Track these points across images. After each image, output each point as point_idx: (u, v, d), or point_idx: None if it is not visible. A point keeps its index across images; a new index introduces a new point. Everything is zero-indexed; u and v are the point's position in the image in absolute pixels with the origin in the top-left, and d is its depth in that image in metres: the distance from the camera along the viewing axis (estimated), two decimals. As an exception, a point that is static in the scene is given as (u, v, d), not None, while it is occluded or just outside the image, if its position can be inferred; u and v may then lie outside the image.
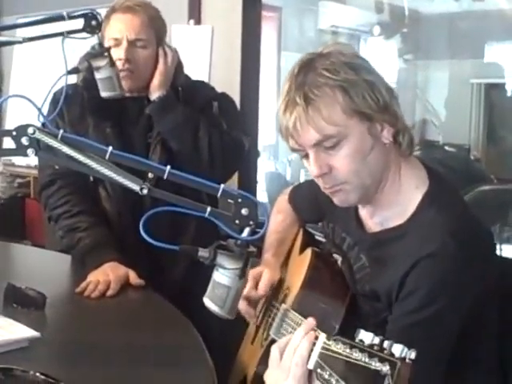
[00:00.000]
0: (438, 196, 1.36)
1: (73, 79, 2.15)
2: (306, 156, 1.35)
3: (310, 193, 1.63)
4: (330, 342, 1.02)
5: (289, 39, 5.83)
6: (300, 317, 1.38)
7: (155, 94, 2.19)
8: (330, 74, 1.29)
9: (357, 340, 0.99)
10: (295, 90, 1.29)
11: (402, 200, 1.37)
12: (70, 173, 2.11)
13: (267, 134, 3.98)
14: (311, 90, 1.28)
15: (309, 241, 1.76)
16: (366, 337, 0.99)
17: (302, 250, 1.68)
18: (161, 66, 2.19)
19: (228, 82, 3.30)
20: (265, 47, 3.92)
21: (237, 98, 3.18)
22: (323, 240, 1.69)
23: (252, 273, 1.57)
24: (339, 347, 1.00)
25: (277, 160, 5.93)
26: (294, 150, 1.36)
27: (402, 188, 1.38)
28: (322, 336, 1.05)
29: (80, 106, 2.20)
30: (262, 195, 4.90)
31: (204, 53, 3.42)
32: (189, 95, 2.25)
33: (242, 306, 1.56)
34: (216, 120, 2.24)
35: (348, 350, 0.98)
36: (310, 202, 1.70)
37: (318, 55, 1.35)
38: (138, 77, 2.18)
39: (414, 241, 1.32)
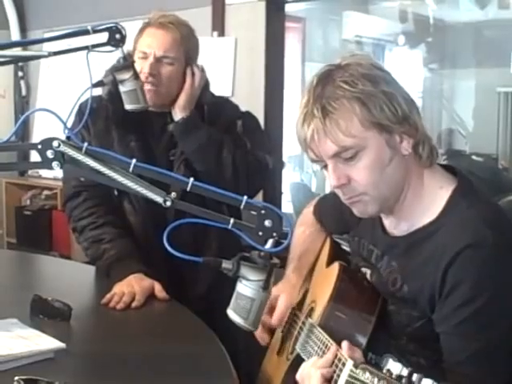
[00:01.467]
0: (468, 190, 1.35)
1: (98, 92, 2.15)
2: (326, 167, 1.34)
3: (335, 205, 1.60)
4: (358, 371, 1.00)
5: (313, 50, 5.71)
6: (326, 336, 1.36)
7: (179, 115, 2.18)
8: (348, 86, 1.28)
9: (384, 370, 0.96)
10: (313, 103, 1.29)
11: (426, 203, 1.36)
12: (95, 185, 2.10)
13: (292, 144, 3.87)
14: (329, 102, 1.28)
15: (336, 251, 1.72)
16: (394, 367, 0.96)
17: (329, 260, 1.65)
18: (187, 86, 2.18)
19: (252, 94, 3.30)
20: (289, 58, 3.90)
21: (261, 110, 3.19)
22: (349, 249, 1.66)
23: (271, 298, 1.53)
24: (366, 377, 0.97)
25: (302, 170, 5.85)
26: (313, 161, 1.35)
27: (425, 192, 1.36)
28: (349, 363, 1.02)
29: (105, 119, 2.20)
30: (287, 206, 4.82)
31: (227, 64, 3.43)
32: (213, 114, 2.23)
33: (257, 330, 1.50)
34: (240, 139, 2.22)
35: (376, 381, 0.96)
36: (334, 214, 1.67)
37: (337, 67, 1.33)
38: (162, 91, 2.17)
39: (448, 235, 1.30)
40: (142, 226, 2.17)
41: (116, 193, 2.16)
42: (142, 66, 2.11)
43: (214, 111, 2.23)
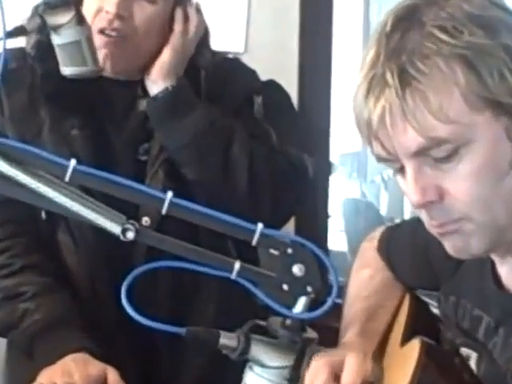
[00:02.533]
0: None
1: (19, 43, 1.55)
2: (402, 170, 1.02)
3: (415, 241, 1.28)
4: None
5: None
6: None
7: (159, 84, 1.54)
8: (446, 35, 0.96)
9: None
10: (385, 61, 0.97)
11: None
12: (8, 202, 1.59)
13: (346, 135, 2.81)
14: (412, 61, 0.96)
15: (418, 316, 1.35)
16: None
17: (408, 332, 1.30)
18: (176, 37, 1.54)
19: (278, 51, 2.37)
20: None
21: (293, 80, 2.20)
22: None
23: (328, 361, 1.17)
24: None
25: (364, 179, 4.14)
26: (380, 159, 1.04)
27: None
28: None
29: (29, 90, 1.54)
30: (335, 238, 3.44)
31: (238, 4, 2.52)
32: (216, 84, 1.60)
33: None
34: (260, 127, 1.60)
35: None
36: (414, 256, 1.33)
37: (427, 0, 1.01)
38: (133, 48, 1.52)
39: None
40: (88, 270, 1.61)
41: (44, 215, 1.55)
42: (102, 3, 1.51)
43: (216, 80, 1.62)
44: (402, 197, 3.33)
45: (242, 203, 1.47)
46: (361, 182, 4.10)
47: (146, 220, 0.97)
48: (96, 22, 1.42)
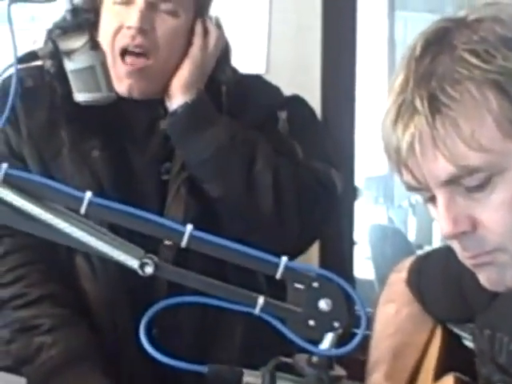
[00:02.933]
0: None
1: (37, 62, 1.44)
2: (433, 199, 0.97)
3: (447, 271, 1.21)
4: None
5: None
6: None
7: (178, 99, 1.46)
8: (478, 59, 0.91)
9: None
10: (415, 86, 0.92)
11: None
12: None
13: (372, 158, 2.69)
14: (443, 87, 0.91)
15: (451, 351, 1.30)
16: None
17: (440, 367, 1.25)
18: (195, 51, 1.46)
19: (300, 70, 2.24)
20: (365, 4, 2.54)
21: (316, 98, 2.07)
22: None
23: None
24: None
25: (391, 204, 4.05)
26: (410, 187, 0.99)
27: None
28: None
29: (49, 109, 1.48)
30: (361, 267, 3.32)
31: (258, 21, 2.37)
32: (238, 100, 1.53)
33: None
34: (285, 143, 1.52)
35: None
36: (445, 287, 1.27)
37: (458, 24, 0.95)
38: (156, 69, 1.45)
39: None
40: (107, 299, 1.49)
41: None
42: (122, 19, 1.44)
43: (238, 96, 1.54)
44: (431, 222, 3.22)
45: (267, 222, 1.40)
46: (387, 207, 4.01)
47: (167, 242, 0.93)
48: (117, 41, 1.36)
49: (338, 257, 2.17)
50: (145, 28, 1.38)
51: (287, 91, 1.61)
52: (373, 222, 3.72)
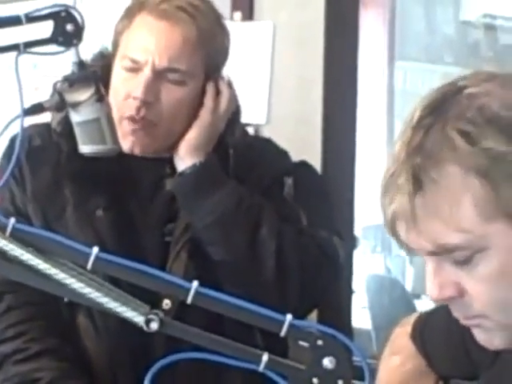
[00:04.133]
0: None
1: (44, 118, 1.43)
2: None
3: (451, 327, 1.15)
4: None
5: (409, 40, 3.77)
6: None
7: (186, 161, 1.43)
8: (464, 140, 0.85)
9: None
10: (405, 159, 0.89)
11: None
12: (26, 285, 1.45)
13: (370, 206, 2.53)
14: (426, 168, 0.87)
15: None
16: None
17: None
18: (206, 113, 1.43)
19: (301, 120, 2.07)
20: (366, 55, 2.62)
21: (316, 148, 2.11)
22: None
23: None
24: None
25: (388, 253, 3.91)
26: (404, 249, 0.97)
27: None
28: None
29: (54, 167, 1.46)
30: (359, 316, 3.07)
31: (259, 68, 2.18)
32: (245, 164, 1.50)
33: None
34: (289, 209, 1.50)
35: None
36: (450, 343, 1.22)
37: (457, 92, 0.90)
38: (161, 132, 1.43)
39: None
40: (108, 357, 1.45)
41: (66, 298, 1.46)
42: (130, 89, 1.41)
43: (245, 159, 1.51)
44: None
45: (268, 288, 1.38)
46: (385, 256, 3.89)
47: (166, 303, 0.89)
48: (124, 109, 1.35)
49: (337, 306, 2.12)
50: (149, 100, 1.35)
51: (287, 143, 1.59)
52: (370, 271, 3.66)
